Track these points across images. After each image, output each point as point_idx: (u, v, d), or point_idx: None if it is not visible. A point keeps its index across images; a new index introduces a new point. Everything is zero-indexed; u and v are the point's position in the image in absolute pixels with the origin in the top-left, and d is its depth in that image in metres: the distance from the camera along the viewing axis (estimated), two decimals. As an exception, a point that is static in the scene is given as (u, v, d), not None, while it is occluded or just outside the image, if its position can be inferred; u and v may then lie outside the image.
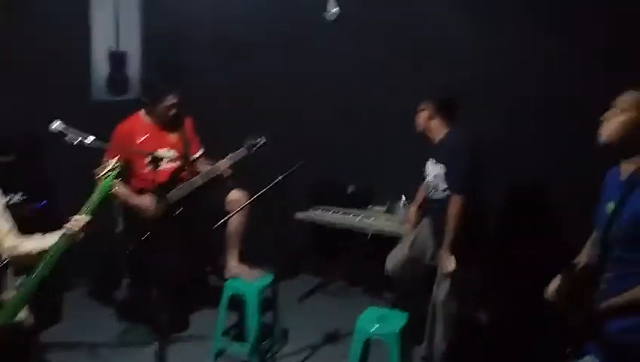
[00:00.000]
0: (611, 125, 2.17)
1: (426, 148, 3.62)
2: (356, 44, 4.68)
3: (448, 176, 3.40)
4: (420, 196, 3.84)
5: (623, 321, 2.13)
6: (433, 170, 3.51)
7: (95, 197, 2.63)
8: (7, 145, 3.88)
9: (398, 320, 3.47)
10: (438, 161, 3.47)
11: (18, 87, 4.07)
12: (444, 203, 3.43)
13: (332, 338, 4.03)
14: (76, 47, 4.62)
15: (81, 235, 2.56)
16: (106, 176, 2.69)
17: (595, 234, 2.38)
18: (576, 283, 2.29)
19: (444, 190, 3.45)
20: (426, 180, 3.62)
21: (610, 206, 2.20)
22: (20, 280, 2.55)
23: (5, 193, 3.58)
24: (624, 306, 2.11)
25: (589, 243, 2.45)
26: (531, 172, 4.05)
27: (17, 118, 3.96)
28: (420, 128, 3.57)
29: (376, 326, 3.36)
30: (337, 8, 4.65)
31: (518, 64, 4.09)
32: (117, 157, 3.62)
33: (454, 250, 3.35)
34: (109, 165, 2.72)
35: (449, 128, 3.47)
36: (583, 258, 2.44)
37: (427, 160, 3.60)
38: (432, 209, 3.62)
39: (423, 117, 3.54)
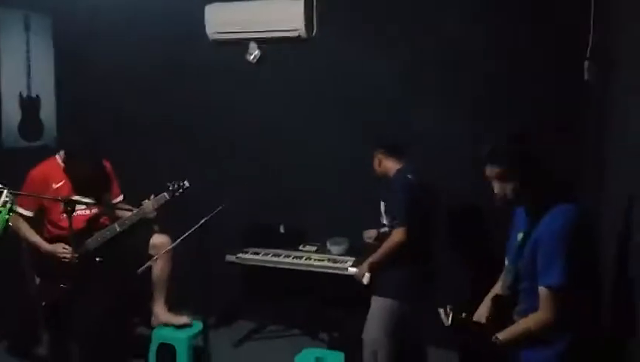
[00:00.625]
0: (508, 195, 2.22)
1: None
2: (282, 86, 4.69)
3: (388, 211, 3.50)
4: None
5: (533, 354, 2.16)
6: (382, 207, 3.61)
7: None
8: None
9: (335, 359, 3.41)
10: (382, 199, 3.59)
11: None
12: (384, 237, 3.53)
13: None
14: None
15: None
16: None
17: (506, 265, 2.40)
18: (490, 313, 2.33)
19: (385, 225, 3.54)
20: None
21: (520, 236, 2.24)
22: None
23: None
24: (519, 337, 2.14)
25: (503, 273, 2.45)
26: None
27: None
28: (377, 173, 3.64)
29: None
30: (258, 51, 4.66)
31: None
32: (28, 203, 3.53)
33: (374, 270, 3.48)
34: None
35: (400, 166, 3.54)
36: (497, 289, 2.46)
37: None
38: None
39: (376, 163, 3.63)
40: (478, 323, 2.32)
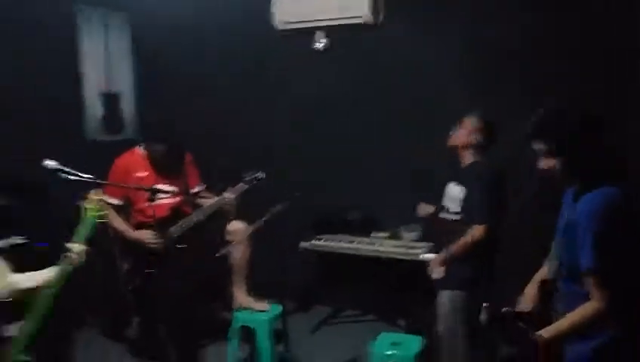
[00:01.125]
0: (553, 173, 2.11)
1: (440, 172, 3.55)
2: (351, 73, 4.71)
3: (469, 203, 3.27)
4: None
5: (575, 348, 2.04)
6: (453, 191, 3.38)
7: (82, 229, 2.61)
8: (8, 187, 3.84)
9: (412, 344, 3.40)
10: (461, 183, 3.33)
11: (15, 132, 4.10)
12: (452, 224, 3.35)
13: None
14: (70, 90, 4.64)
15: (78, 262, 2.53)
16: (90, 207, 2.65)
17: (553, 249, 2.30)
18: (536, 300, 2.25)
19: (456, 212, 3.34)
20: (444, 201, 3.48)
21: (565, 218, 2.14)
22: (17, 326, 2.47)
23: (6, 236, 3.61)
24: (565, 332, 2.01)
25: (548, 257, 2.35)
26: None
27: (15, 161, 3.93)
28: (457, 143, 3.33)
29: (392, 350, 3.28)
30: (325, 39, 4.70)
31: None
32: (114, 192, 3.70)
33: (447, 264, 3.32)
34: (93, 196, 2.69)
35: (482, 155, 3.31)
36: (543, 273, 2.34)
37: (449, 181, 3.44)
38: (441, 228, 3.49)
39: (466, 133, 3.29)
40: (520, 316, 2.18)
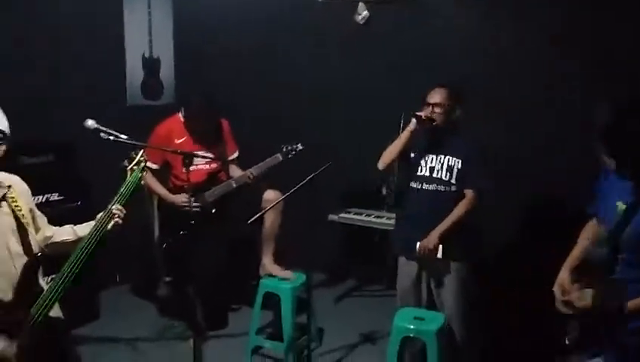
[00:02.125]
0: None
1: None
2: (385, 48, 4.69)
3: (469, 172, 3.28)
4: None
5: (633, 322, 2.05)
6: (439, 161, 3.36)
7: (123, 189, 2.57)
8: (46, 146, 3.95)
9: (435, 319, 3.42)
10: (451, 154, 3.32)
11: (56, 92, 4.21)
12: (442, 195, 3.33)
13: (368, 338, 4.02)
14: (111, 54, 4.71)
15: (112, 224, 2.47)
16: (133, 168, 2.64)
17: (591, 228, 2.31)
18: (580, 281, 2.20)
19: (448, 183, 3.32)
20: (423, 172, 3.40)
21: (621, 206, 2.10)
22: (48, 279, 2.43)
23: (43, 192, 3.70)
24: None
25: (584, 236, 2.36)
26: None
27: (55, 121, 4.06)
28: (443, 125, 3.32)
29: (414, 324, 3.31)
30: (366, 12, 4.67)
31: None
32: (153, 157, 3.79)
33: (444, 238, 3.27)
34: (136, 157, 2.67)
35: (461, 126, 3.35)
36: (578, 252, 2.34)
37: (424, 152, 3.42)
38: (423, 199, 3.40)
39: (446, 111, 3.30)
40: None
